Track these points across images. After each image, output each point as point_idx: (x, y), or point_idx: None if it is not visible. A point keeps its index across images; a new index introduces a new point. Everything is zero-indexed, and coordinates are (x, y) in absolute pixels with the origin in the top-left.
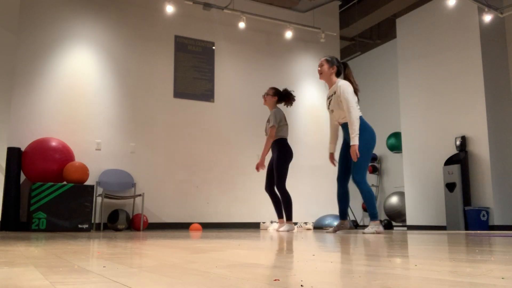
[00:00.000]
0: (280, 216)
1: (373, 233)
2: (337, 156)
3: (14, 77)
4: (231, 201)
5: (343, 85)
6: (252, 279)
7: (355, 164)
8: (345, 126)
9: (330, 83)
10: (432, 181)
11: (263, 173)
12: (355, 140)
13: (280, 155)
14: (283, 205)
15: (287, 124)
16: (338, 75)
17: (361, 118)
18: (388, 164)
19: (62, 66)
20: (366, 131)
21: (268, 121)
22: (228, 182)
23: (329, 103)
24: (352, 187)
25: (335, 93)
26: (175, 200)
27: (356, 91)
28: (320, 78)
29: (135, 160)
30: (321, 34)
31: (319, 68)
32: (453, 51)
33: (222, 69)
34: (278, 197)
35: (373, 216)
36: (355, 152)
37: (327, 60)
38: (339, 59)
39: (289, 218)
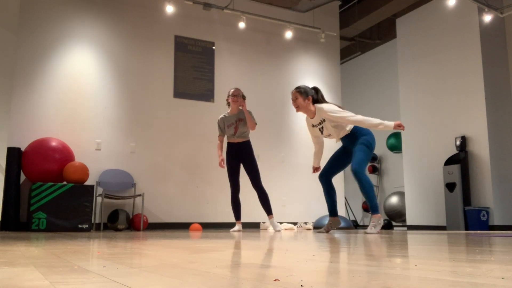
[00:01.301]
0: (238, 218)
1: (376, 233)
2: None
3: (14, 77)
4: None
5: (328, 109)
6: (252, 279)
7: (360, 157)
8: (345, 138)
9: (311, 113)
10: (432, 181)
11: (263, 173)
12: (388, 124)
13: (253, 155)
14: (265, 202)
15: None
16: (314, 102)
17: (356, 126)
18: (388, 164)
19: (62, 66)
20: (367, 133)
21: (240, 120)
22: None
23: (321, 130)
24: (351, 187)
25: (323, 120)
26: (175, 200)
27: None
28: (297, 111)
29: (135, 160)
30: (321, 34)
31: (294, 102)
32: (453, 51)
33: (222, 69)
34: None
35: (375, 209)
36: (402, 125)
37: (300, 92)
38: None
39: (271, 211)
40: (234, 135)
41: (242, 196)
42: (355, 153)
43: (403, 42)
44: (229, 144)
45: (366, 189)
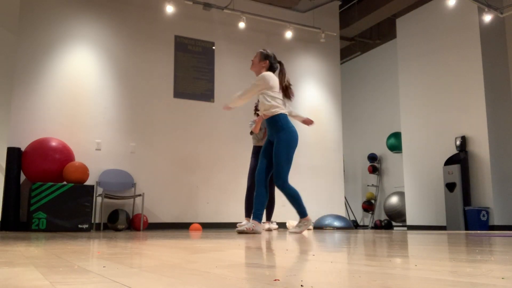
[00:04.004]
0: (248, 215)
1: (299, 232)
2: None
3: (14, 77)
4: (231, 201)
5: (262, 75)
6: (252, 279)
7: (277, 168)
8: (269, 123)
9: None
10: (432, 181)
11: None
12: (232, 100)
13: None
14: (270, 208)
15: None
16: (270, 70)
17: (285, 117)
18: (388, 164)
19: (62, 66)
20: (288, 130)
21: None
22: (228, 182)
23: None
24: (352, 187)
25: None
26: (175, 200)
27: (286, 88)
28: (251, 68)
29: (135, 160)
30: (321, 34)
31: (252, 59)
32: (453, 51)
33: (222, 69)
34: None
35: (304, 213)
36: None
37: (261, 53)
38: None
39: (270, 219)
40: (262, 139)
41: (242, 195)
42: (274, 159)
43: (403, 42)
44: (255, 147)
45: (294, 198)
